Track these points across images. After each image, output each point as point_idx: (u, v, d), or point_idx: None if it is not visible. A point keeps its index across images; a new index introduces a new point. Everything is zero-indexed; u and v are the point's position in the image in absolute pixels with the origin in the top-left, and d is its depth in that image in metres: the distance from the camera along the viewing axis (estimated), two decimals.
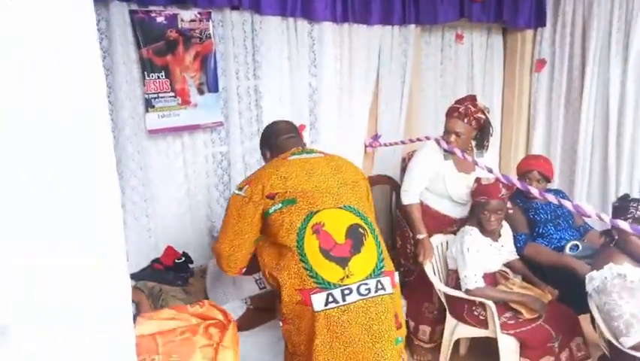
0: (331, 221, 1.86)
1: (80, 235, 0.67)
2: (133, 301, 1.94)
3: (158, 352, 1.14)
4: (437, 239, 2.88)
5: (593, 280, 2.17)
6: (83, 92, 0.65)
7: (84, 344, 0.68)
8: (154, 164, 2.74)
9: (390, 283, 1.88)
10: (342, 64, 3.27)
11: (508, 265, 2.80)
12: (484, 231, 2.64)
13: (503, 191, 2.55)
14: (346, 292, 1.77)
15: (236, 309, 2.56)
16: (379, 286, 1.83)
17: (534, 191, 2.32)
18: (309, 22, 3.09)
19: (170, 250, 2.80)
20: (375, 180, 3.58)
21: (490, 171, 2.51)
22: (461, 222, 2.83)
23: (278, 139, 2.15)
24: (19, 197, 0.61)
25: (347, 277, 1.78)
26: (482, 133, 2.89)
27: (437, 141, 2.85)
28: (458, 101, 2.86)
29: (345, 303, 1.75)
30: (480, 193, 2.63)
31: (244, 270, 2.02)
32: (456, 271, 2.69)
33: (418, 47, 3.69)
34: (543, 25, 4.15)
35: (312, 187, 1.89)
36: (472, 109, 2.79)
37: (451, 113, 2.83)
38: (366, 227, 1.92)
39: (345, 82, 3.31)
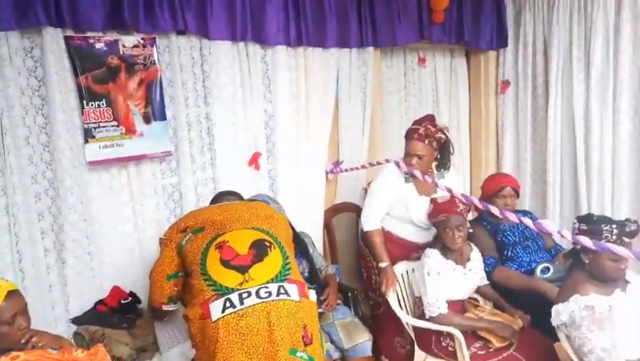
0: (236, 238, 1.92)
1: None
2: (54, 348, 1.75)
3: None
4: (401, 266, 2.74)
5: (560, 314, 2.03)
6: None
7: None
8: (96, 198, 2.57)
9: (298, 291, 1.85)
10: (298, 89, 3.16)
11: (478, 290, 2.67)
12: (447, 253, 2.51)
13: (461, 206, 2.45)
14: (244, 295, 1.76)
15: (187, 352, 2.37)
16: (282, 291, 1.81)
17: (494, 210, 2.19)
18: (261, 46, 3.00)
19: (115, 290, 2.61)
20: (339, 208, 3.46)
21: (450, 191, 2.40)
22: (426, 248, 2.69)
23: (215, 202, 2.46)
24: None
25: (246, 281, 1.80)
26: (443, 153, 2.80)
27: (397, 164, 2.74)
28: (417, 122, 2.77)
29: (243, 307, 1.73)
30: (439, 212, 2.52)
31: (165, 307, 2.09)
32: (421, 299, 2.54)
33: (378, 71, 3.61)
34: (505, 45, 4.13)
35: (222, 218, 2.01)
36: (432, 129, 2.70)
37: (410, 135, 2.74)
38: (273, 241, 1.95)
39: (302, 107, 3.19)
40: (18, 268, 2.41)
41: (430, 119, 2.75)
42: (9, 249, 2.38)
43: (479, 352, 2.39)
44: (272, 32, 2.95)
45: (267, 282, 1.81)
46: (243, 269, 1.83)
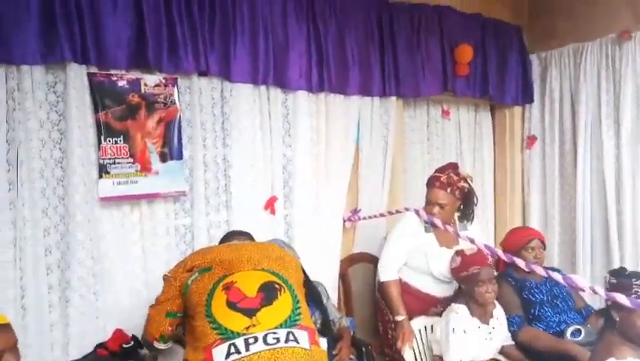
0: (244, 280, 1.80)
1: None
2: None
3: None
4: (419, 322, 2.57)
5: None
6: None
7: None
8: (107, 235, 2.51)
9: (308, 338, 1.71)
10: (318, 134, 3.12)
11: (502, 351, 2.47)
12: (473, 309, 2.35)
13: (489, 258, 2.32)
14: (251, 340, 1.62)
15: None
16: (291, 338, 1.67)
17: (520, 263, 2.04)
18: (282, 91, 2.99)
19: (118, 333, 2.49)
20: (356, 258, 3.33)
21: (472, 241, 2.26)
22: (446, 303, 2.53)
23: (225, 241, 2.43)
24: None
25: (253, 325, 1.67)
26: (466, 203, 2.68)
27: (417, 213, 2.64)
28: (439, 170, 2.69)
29: (248, 353, 1.59)
30: (468, 264, 2.37)
31: (159, 344, 1.99)
32: (441, 358, 2.36)
33: (400, 120, 3.57)
34: (531, 101, 4.08)
35: (231, 258, 1.91)
36: (455, 178, 2.61)
37: (432, 182, 2.65)
38: (283, 284, 1.83)
39: (322, 153, 3.14)
40: (20, 305, 2.32)
41: (453, 167, 2.67)
42: (13, 283, 2.30)
43: None
44: (294, 77, 2.95)
45: (276, 327, 1.69)
46: (250, 313, 1.71)
